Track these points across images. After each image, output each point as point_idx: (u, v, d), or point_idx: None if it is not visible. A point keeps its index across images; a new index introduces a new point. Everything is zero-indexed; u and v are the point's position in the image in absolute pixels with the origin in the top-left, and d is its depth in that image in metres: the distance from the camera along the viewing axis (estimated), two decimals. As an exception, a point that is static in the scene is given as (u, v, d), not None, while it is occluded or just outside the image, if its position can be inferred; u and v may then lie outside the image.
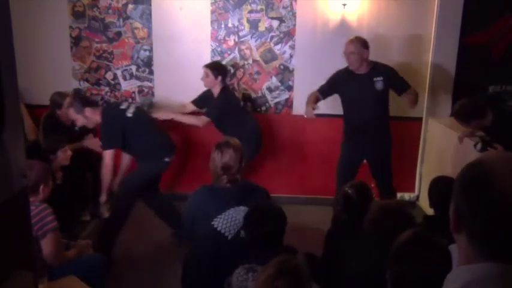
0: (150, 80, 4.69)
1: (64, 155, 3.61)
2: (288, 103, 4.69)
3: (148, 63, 4.65)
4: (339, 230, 2.71)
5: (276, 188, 4.52)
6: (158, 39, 4.59)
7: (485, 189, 0.97)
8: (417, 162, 4.80)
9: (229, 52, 4.60)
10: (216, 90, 4.16)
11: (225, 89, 4.21)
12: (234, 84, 4.66)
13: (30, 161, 2.57)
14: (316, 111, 3.84)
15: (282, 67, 4.62)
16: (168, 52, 4.61)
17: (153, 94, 4.71)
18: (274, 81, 4.65)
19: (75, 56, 4.65)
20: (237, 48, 4.59)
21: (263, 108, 4.70)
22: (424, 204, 4.37)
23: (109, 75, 4.68)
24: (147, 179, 3.86)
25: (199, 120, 4.18)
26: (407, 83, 3.88)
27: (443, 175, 2.85)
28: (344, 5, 4.38)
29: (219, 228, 2.46)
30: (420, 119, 4.67)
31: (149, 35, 4.58)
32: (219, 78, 4.10)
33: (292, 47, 4.56)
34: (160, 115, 4.21)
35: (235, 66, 4.63)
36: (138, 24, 4.57)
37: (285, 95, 4.68)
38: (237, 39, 4.57)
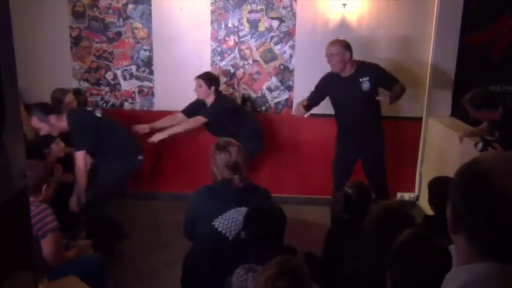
0: (150, 80, 4.69)
1: (58, 148, 3.62)
2: (288, 103, 4.69)
3: (148, 63, 4.65)
4: (339, 229, 2.71)
5: (276, 188, 4.51)
6: (158, 39, 4.59)
7: (484, 189, 0.97)
8: (417, 162, 4.80)
9: (229, 52, 4.60)
10: (210, 100, 4.15)
11: (219, 97, 4.21)
12: (234, 84, 4.66)
13: (31, 161, 2.56)
14: (311, 112, 3.85)
15: (282, 67, 4.62)
16: (168, 52, 4.61)
17: (153, 94, 4.71)
18: (274, 81, 4.65)
19: (75, 56, 4.65)
20: (237, 48, 4.59)
21: (263, 108, 4.71)
22: (424, 204, 4.37)
23: (109, 75, 4.68)
24: (123, 179, 3.85)
25: (195, 122, 4.15)
26: (395, 78, 3.85)
27: (442, 175, 2.85)
28: (344, 5, 4.38)
29: (220, 229, 2.46)
30: (420, 119, 4.67)
31: (149, 35, 4.58)
32: (212, 88, 4.10)
33: (292, 47, 4.56)
34: (155, 138, 4.09)
35: (235, 66, 4.63)
36: (138, 24, 4.57)
37: (285, 95, 4.68)
38: (237, 39, 4.57)
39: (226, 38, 4.58)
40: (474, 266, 0.99)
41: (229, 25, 4.55)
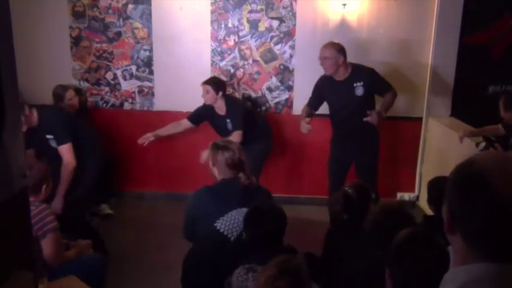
0: (150, 80, 4.69)
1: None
2: (288, 103, 4.69)
3: (148, 63, 4.65)
4: (338, 229, 2.71)
5: (276, 188, 4.52)
6: (158, 39, 4.59)
7: (480, 189, 0.97)
8: (417, 162, 4.80)
9: (229, 52, 4.60)
10: (219, 104, 4.11)
11: (229, 98, 4.21)
12: (234, 84, 4.66)
13: (31, 161, 2.57)
14: (310, 126, 3.85)
15: (282, 67, 4.62)
16: (168, 52, 4.61)
17: (153, 94, 4.71)
18: (274, 81, 4.65)
19: (75, 56, 4.65)
20: (237, 48, 4.59)
21: (263, 108, 4.70)
22: (424, 204, 4.36)
23: (109, 75, 4.68)
24: (97, 178, 3.88)
25: (234, 137, 3.89)
26: (389, 84, 3.85)
27: (442, 175, 2.85)
28: (344, 5, 4.38)
29: (221, 230, 2.45)
30: (420, 119, 4.67)
31: (149, 35, 4.58)
32: (220, 93, 4.07)
33: (292, 47, 4.56)
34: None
35: (235, 66, 4.63)
36: (138, 24, 4.57)
37: (285, 95, 4.68)
38: (237, 39, 4.57)
39: (226, 38, 4.58)
40: (471, 266, 0.99)
41: (229, 25, 4.55)
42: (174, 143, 4.75)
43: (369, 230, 2.16)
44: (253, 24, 4.54)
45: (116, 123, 4.77)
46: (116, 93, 4.72)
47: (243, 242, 2.36)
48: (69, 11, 4.56)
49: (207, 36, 4.58)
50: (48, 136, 3.67)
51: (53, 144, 3.67)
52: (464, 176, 1.02)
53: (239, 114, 4.09)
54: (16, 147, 1.19)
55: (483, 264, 0.98)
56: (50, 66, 4.63)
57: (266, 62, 4.61)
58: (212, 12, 4.53)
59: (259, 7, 4.50)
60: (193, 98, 4.50)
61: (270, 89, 4.67)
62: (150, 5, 4.52)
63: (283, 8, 4.49)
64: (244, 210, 2.43)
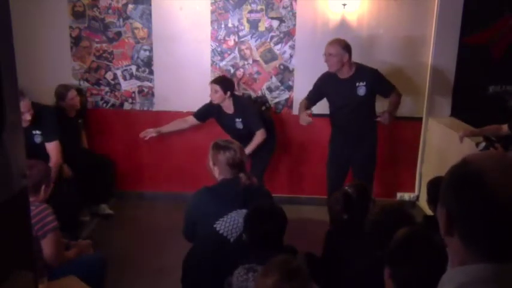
0: (150, 80, 4.69)
1: None
2: (288, 103, 4.68)
3: (148, 63, 4.65)
4: (338, 229, 2.71)
5: (276, 188, 4.53)
6: (158, 39, 4.59)
7: (477, 188, 0.97)
8: (417, 162, 4.80)
9: (229, 52, 4.60)
10: (227, 104, 4.11)
11: (237, 97, 4.22)
12: (234, 84, 4.65)
13: (31, 161, 2.56)
14: (310, 118, 3.84)
15: (282, 67, 4.62)
16: (168, 52, 4.61)
17: (153, 94, 4.71)
18: (274, 81, 4.65)
19: (75, 56, 4.65)
20: (237, 48, 4.59)
21: (263, 108, 4.70)
22: (424, 204, 4.36)
23: (109, 75, 4.68)
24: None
25: (259, 137, 4.01)
26: (392, 85, 3.85)
27: (441, 175, 2.84)
28: (344, 5, 4.38)
29: (221, 231, 2.44)
30: (420, 119, 4.66)
31: (149, 35, 4.58)
32: (228, 93, 4.06)
33: (292, 47, 4.56)
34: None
35: (235, 66, 4.63)
36: (138, 24, 4.57)
37: (285, 95, 4.68)
38: (237, 39, 4.57)
39: (226, 38, 4.58)
40: (469, 267, 0.99)
41: (229, 25, 4.55)
42: (174, 143, 4.75)
43: (369, 230, 2.16)
44: (253, 24, 4.54)
45: (116, 123, 4.77)
46: (116, 93, 4.72)
47: (242, 243, 2.36)
48: (69, 11, 4.56)
49: (207, 36, 4.58)
50: (35, 132, 3.68)
51: (38, 140, 3.67)
52: (459, 176, 1.02)
53: (255, 113, 4.13)
54: (16, 147, 1.19)
55: (481, 265, 0.98)
56: (50, 66, 4.63)
57: (266, 62, 4.61)
58: (212, 12, 4.53)
59: (259, 7, 4.50)
60: (193, 98, 4.50)
61: (270, 89, 4.67)
62: (150, 5, 4.52)
63: (283, 8, 4.49)
64: (244, 211, 2.42)
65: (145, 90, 4.71)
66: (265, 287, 1.78)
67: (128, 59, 4.64)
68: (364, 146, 3.91)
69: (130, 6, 4.53)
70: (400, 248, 1.57)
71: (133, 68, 4.66)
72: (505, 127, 3.45)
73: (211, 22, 4.55)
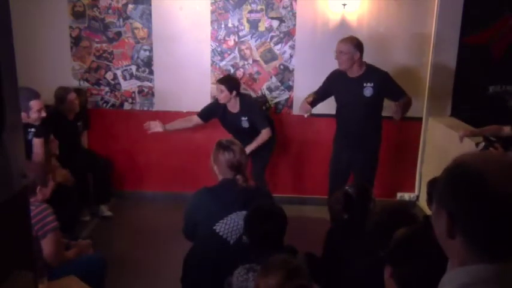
0: (150, 80, 4.69)
1: (52, 145, 3.63)
2: (288, 103, 4.69)
3: (148, 63, 4.65)
4: (339, 229, 2.71)
5: (276, 188, 4.53)
6: (158, 39, 4.59)
7: (480, 188, 0.97)
8: (417, 162, 4.80)
9: (229, 52, 4.60)
10: (233, 103, 4.11)
11: (244, 96, 4.22)
12: (234, 84, 4.66)
13: (26, 161, 2.56)
14: (312, 112, 3.82)
15: (282, 67, 4.62)
16: (168, 52, 4.61)
17: (153, 94, 4.71)
18: (274, 81, 4.65)
19: (75, 56, 4.65)
20: (237, 48, 4.59)
21: (263, 108, 4.70)
22: (424, 204, 4.37)
23: (109, 75, 4.68)
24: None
25: (265, 135, 4.06)
26: (402, 90, 3.77)
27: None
28: (344, 5, 4.38)
29: (221, 233, 2.44)
30: (420, 119, 4.67)
31: (149, 35, 4.58)
32: (234, 92, 4.06)
33: (292, 47, 4.56)
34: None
35: (235, 66, 4.63)
36: (138, 24, 4.57)
37: (285, 95, 4.68)
38: (237, 39, 4.57)
39: (226, 38, 4.58)
40: (470, 267, 0.99)
41: (229, 25, 4.55)
42: (174, 143, 4.75)
43: (371, 230, 2.16)
44: (253, 24, 4.54)
45: (116, 123, 4.77)
46: (116, 93, 4.72)
47: (242, 245, 2.36)
48: (69, 11, 4.56)
49: (207, 36, 4.58)
50: (30, 130, 3.68)
51: (29, 136, 3.68)
52: (458, 177, 1.02)
53: (261, 112, 4.15)
54: (16, 147, 1.19)
55: (481, 265, 0.98)
56: (50, 66, 4.63)
57: (266, 62, 4.61)
58: (212, 12, 4.53)
59: (259, 7, 4.50)
60: (193, 98, 4.51)
61: (270, 89, 4.67)
62: (150, 5, 4.52)
63: (283, 8, 4.49)
64: (244, 213, 2.42)
65: (145, 90, 4.71)
66: (268, 287, 1.78)
67: (128, 59, 4.64)
68: (366, 149, 3.86)
69: (130, 6, 4.53)
70: (400, 248, 1.57)
71: (133, 68, 4.66)
72: (507, 128, 3.45)
73: (211, 22, 4.55)
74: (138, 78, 4.69)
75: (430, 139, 4.64)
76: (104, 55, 4.64)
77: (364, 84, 3.70)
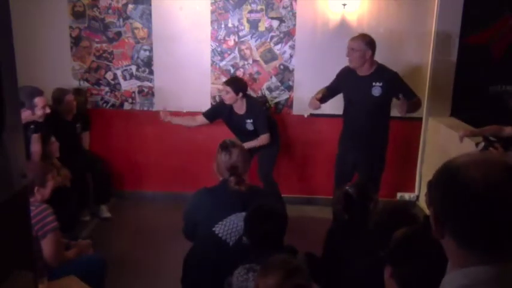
0: (150, 80, 4.69)
1: (53, 147, 3.62)
2: (288, 103, 4.68)
3: (148, 63, 4.65)
4: (339, 229, 2.71)
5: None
6: (158, 39, 4.59)
7: (453, 184, 1.00)
8: (417, 162, 4.80)
9: (229, 52, 4.60)
10: (239, 104, 4.11)
11: (250, 98, 4.23)
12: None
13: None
14: (312, 112, 3.80)
15: (282, 67, 4.62)
16: (168, 52, 4.61)
17: (153, 94, 4.71)
18: (274, 81, 4.65)
19: (75, 56, 4.65)
20: (237, 48, 4.59)
21: (263, 108, 4.70)
22: (424, 204, 4.37)
23: (109, 75, 4.68)
24: None
25: (264, 140, 4.07)
26: (412, 91, 3.75)
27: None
28: (344, 5, 4.38)
29: (220, 235, 2.43)
30: (420, 119, 4.67)
31: (149, 35, 4.58)
32: (240, 94, 4.05)
33: (292, 47, 4.56)
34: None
35: (235, 66, 4.63)
36: (138, 24, 4.57)
37: (285, 95, 4.68)
38: (237, 39, 4.57)
39: (226, 38, 4.58)
40: (468, 269, 1.00)
41: (229, 25, 4.55)
42: (174, 143, 4.75)
43: (371, 230, 2.16)
44: (253, 24, 4.54)
45: (116, 123, 4.77)
46: (116, 93, 4.72)
47: (242, 246, 2.35)
48: (69, 11, 4.56)
49: (207, 36, 4.58)
50: (31, 126, 3.68)
51: (29, 133, 3.68)
52: (439, 175, 1.05)
53: (264, 117, 4.14)
54: (16, 147, 1.19)
55: (480, 267, 0.98)
56: (50, 66, 4.63)
57: (266, 62, 4.61)
58: (212, 12, 4.53)
59: (259, 7, 4.50)
60: (193, 98, 4.50)
61: (270, 89, 4.67)
62: (150, 5, 4.52)
63: (283, 8, 4.49)
64: (243, 214, 2.42)
65: (145, 90, 4.71)
66: (267, 286, 1.78)
67: (128, 59, 4.64)
68: (372, 150, 3.82)
69: (130, 6, 4.53)
70: (400, 248, 1.57)
71: (133, 68, 4.66)
72: (508, 129, 3.44)
73: (211, 22, 4.55)
74: (138, 78, 4.69)
75: (430, 139, 4.64)
76: (104, 55, 4.64)
77: (373, 84, 3.66)
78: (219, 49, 4.60)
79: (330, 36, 4.47)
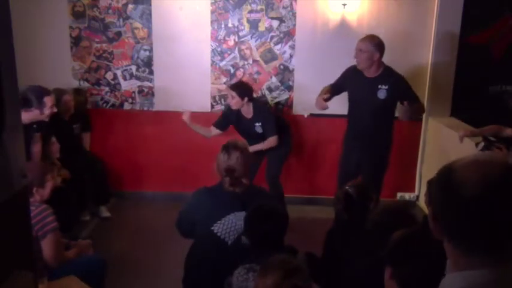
0: (150, 80, 4.69)
1: (53, 148, 3.62)
2: (288, 103, 4.69)
3: (148, 63, 4.65)
4: (339, 229, 2.71)
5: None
6: (158, 39, 4.59)
7: (447, 187, 1.00)
8: (417, 162, 4.80)
9: (229, 52, 4.60)
10: (246, 108, 4.10)
11: (257, 102, 4.22)
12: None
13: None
14: (312, 112, 3.79)
15: (282, 67, 4.62)
16: (168, 52, 4.61)
17: (153, 94, 4.71)
18: (274, 81, 4.65)
19: (75, 56, 4.65)
20: (237, 48, 4.59)
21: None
22: (424, 204, 4.37)
23: (109, 75, 4.68)
24: None
25: (271, 142, 4.07)
26: (416, 96, 3.74)
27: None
28: (344, 5, 4.38)
29: (218, 234, 2.43)
30: (420, 119, 4.66)
31: (149, 35, 4.58)
32: (246, 99, 4.04)
33: (292, 47, 4.56)
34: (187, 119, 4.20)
35: (235, 66, 4.63)
36: (138, 24, 4.57)
37: (285, 95, 4.68)
38: (237, 39, 4.57)
39: (226, 38, 4.58)
40: (467, 272, 1.00)
41: (229, 25, 4.55)
42: (174, 143, 4.75)
43: (371, 230, 2.16)
44: (253, 24, 4.54)
45: (116, 123, 4.77)
46: (116, 93, 4.72)
47: (241, 245, 2.35)
48: (69, 11, 4.56)
49: (207, 36, 4.58)
50: (34, 126, 3.68)
51: (32, 132, 3.68)
52: (441, 175, 1.05)
53: (272, 120, 4.12)
54: (16, 147, 1.19)
55: (477, 271, 0.99)
56: (50, 66, 4.63)
57: (266, 62, 4.61)
58: (212, 12, 4.53)
59: (259, 7, 4.50)
60: (193, 98, 4.50)
61: (270, 89, 4.67)
62: (150, 5, 4.52)
63: (283, 8, 4.49)
64: (242, 214, 2.41)
65: (145, 90, 4.71)
66: (266, 286, 1.78)
67: (128, 59, 4.64)
68: (375, 151, 3.81)
69: (130, 6, 4.53)
70: (399, 248, 1.57)
71: (133, 68, 4.66)
72: (508, 130, 3.44)
73: (211, 22, 4.55)
74: (138, 78, 4.69)
75: (430, 139, 4.64)
76: (104, 55, 4.64)
77: (379, 86, 3.64)
78: (219, 49, 4.60)
79: (330, 36, 4.47)
